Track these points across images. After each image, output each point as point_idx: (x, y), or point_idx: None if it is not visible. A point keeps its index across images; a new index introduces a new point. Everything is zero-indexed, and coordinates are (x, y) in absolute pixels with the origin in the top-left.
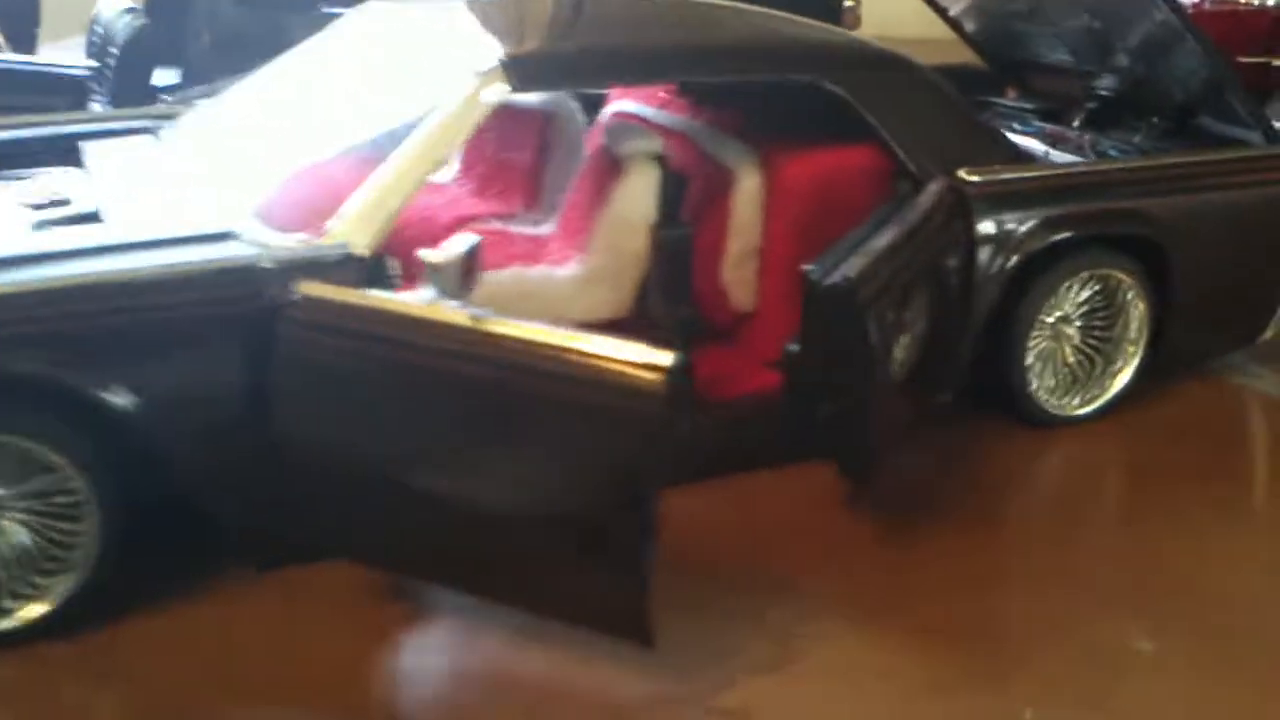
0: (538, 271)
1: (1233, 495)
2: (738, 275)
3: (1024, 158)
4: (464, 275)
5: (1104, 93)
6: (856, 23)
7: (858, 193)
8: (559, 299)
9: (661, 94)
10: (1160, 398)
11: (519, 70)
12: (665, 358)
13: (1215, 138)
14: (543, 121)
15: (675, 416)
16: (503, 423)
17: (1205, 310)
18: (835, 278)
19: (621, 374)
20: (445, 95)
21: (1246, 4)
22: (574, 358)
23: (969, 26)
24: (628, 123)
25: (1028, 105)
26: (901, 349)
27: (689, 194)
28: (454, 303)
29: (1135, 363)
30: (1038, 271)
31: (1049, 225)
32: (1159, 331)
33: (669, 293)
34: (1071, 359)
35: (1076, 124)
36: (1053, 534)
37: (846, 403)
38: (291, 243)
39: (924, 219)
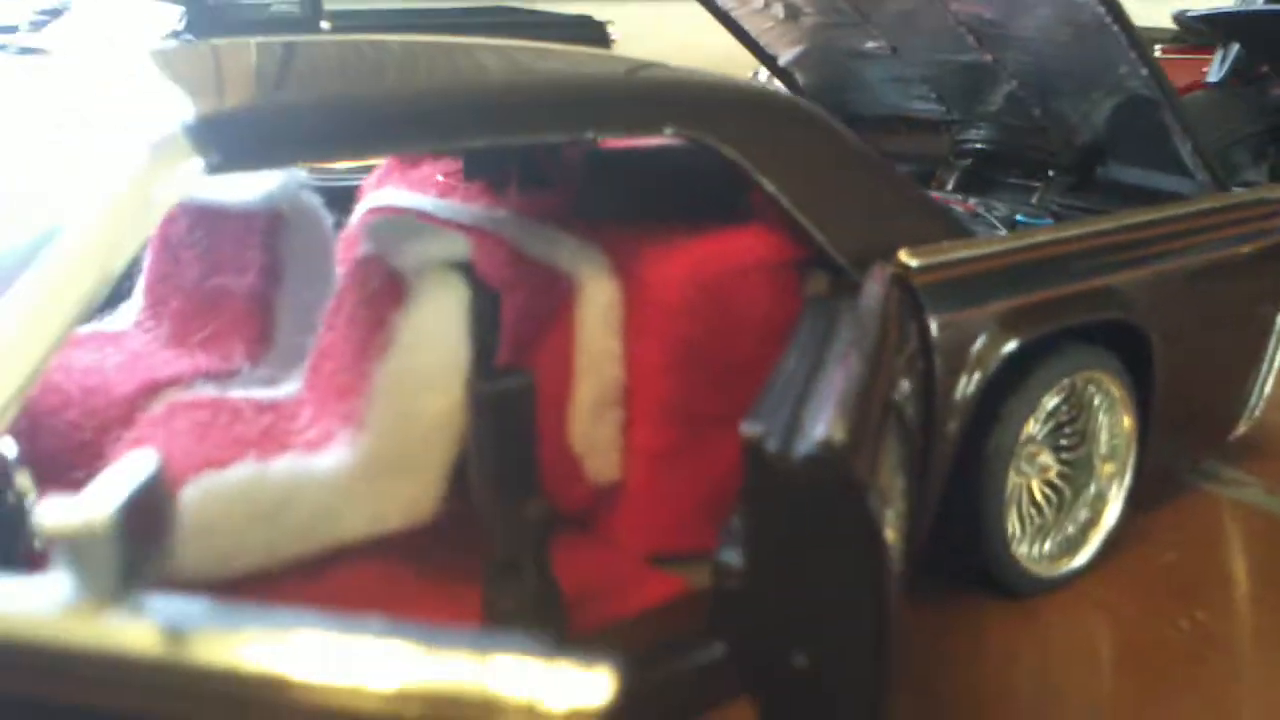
0: (284, 467)
1: None
2: (594, 433)
3: (965, 230)
4: (138, 548)
5: (979, 146)
6: None
7: (755, 296)
8: (324, 509)
9: (440, 178)
10: (1139, 535)
11: (215, 138)
12: (588, 691)
13: (1135, 190)
14: (268, 226)
15: None
16: None
17: (1187, 408)
18: (810, 444)
19: None
20: (97, 186)
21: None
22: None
23: (803, 80)
24: (405, 219)
25: None
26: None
27: (505, 318)
28: (117, 607)
29: (1126, 486)
30: (1010, 384)
31: (1021, 320)
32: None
33: (509, 479)
34: (1039, 495)
35: (950, 188)
36: None
37: (837, 646)
38: None
39: (883, 330)
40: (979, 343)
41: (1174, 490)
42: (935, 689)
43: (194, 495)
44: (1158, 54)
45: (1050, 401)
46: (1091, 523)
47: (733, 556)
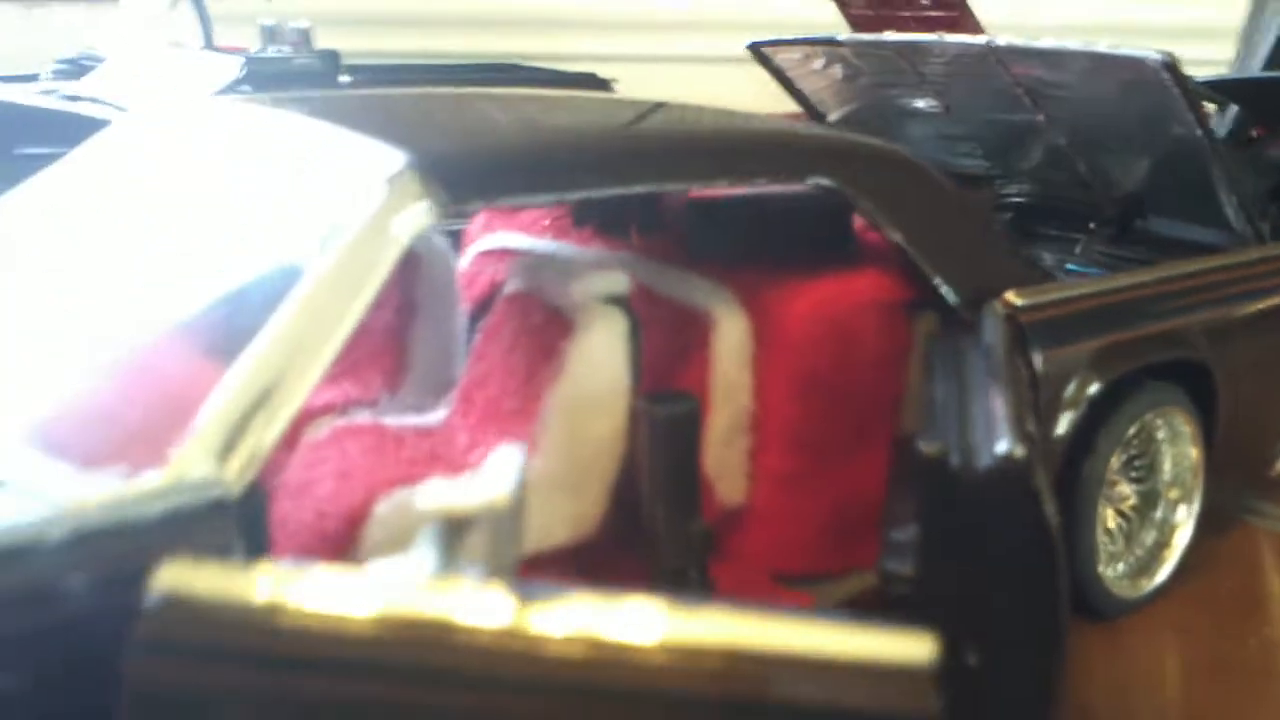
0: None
1: None
2: (726, 458)
3: (1050, 275)
4: (515, 526)
5: (1020, 199)
6: None
7: (872, 333)
8: None
9: (544, 221)
10: (1199, 564)
11: (449, 172)
12: (917, 647)
13: (1174, 242)
14: (404, 265)
15: None
16: None
17: (1243, 442)
18: (995, 458)
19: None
20: (331, 224)
21: None
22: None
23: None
24: (558, 256)
25: None
26: None
27: (649, 352)
28: (487, 584)
29: (1195, 510)
30: (1100, 419)
31: (1111, 358)
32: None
33: (678, 495)
34: (1111, 523)
35: None
36: None
37: (1012, 646)
38: (102, 490)
39: (1013, 362)
40: (1077, 377)
41: (1224, 524)
42: None
43: (387, 510)
44: None
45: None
46: (1162, 546)
47: (899, 564)
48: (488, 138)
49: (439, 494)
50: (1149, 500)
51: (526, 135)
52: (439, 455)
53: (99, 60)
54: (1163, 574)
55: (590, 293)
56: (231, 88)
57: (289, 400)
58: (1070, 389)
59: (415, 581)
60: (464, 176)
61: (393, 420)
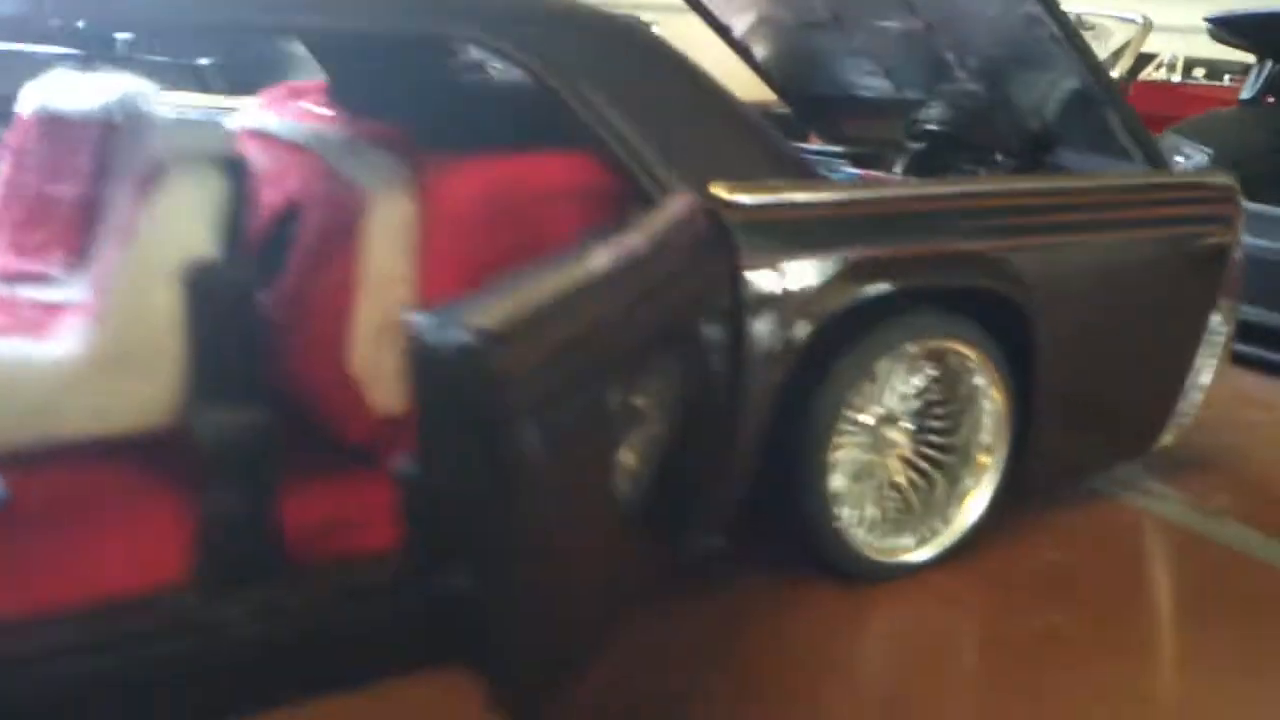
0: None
1: (1146, 688)
2: (378, 359)
3: (815, 175)
4: None
5: (931, 127)
6: None
7: (560, 224)
8: (45, 399)
9: (304, 105)
10: (1028, 532)
11: None
12: None
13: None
14: (99, 136)
15: None
16: None
17: (1082, 404)
18: (454, 332)
19: None
20: None
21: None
22: None
23: (760, 54)
24: (183, 119)
25: (835, 149)
26: (624, 465)
27: (303, 233)
28: None
29: (994, 480)
30: (841, 344)
31: (858, 273)
32: (1020, 435)
33: (219, 380)
34: (901, 479)
35: (898, 168)
36: None
37: (477, 572)
38: None
39: (653, 250)
40: (803, 294)
41: (1083, 496)
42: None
43: None
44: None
45: (886, 369)
46: (956, 519)
47: (405, 467)
48: None
49: None
50: (956, 461)
51: None
52: (33, 328)
53: None
54: (932, 548)
55: (178, 149)
56: None
57: None
58: (794, 306)
59: None
60: None
61: (28, 291)
